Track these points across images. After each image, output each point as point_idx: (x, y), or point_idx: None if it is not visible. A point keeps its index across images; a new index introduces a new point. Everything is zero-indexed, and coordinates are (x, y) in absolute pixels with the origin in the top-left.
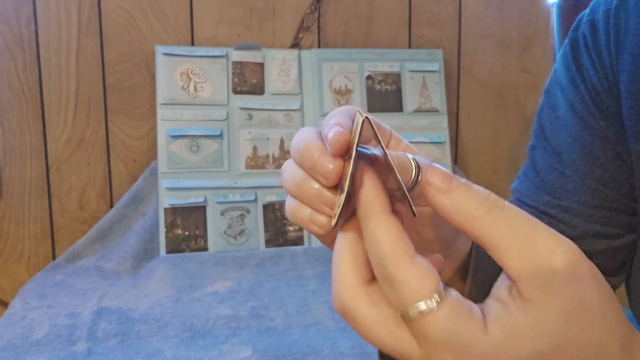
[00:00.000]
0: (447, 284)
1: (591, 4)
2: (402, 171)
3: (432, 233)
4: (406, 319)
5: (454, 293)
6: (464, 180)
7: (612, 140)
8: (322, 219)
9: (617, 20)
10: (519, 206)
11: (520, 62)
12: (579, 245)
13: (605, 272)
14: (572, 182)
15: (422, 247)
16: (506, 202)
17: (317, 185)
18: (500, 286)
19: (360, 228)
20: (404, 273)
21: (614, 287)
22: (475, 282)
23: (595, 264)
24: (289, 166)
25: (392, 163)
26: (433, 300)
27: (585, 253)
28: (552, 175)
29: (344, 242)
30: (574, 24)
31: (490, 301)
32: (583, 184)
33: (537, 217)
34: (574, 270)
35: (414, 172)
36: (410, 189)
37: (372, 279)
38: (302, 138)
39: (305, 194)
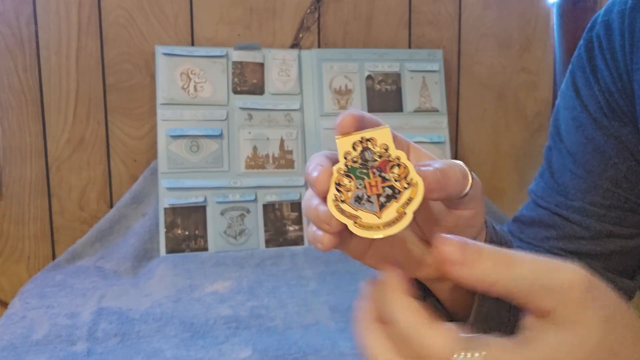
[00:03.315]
0: None
1: (606, 4)
2: (461, 177)
3: (458, 233)
4: None
5: (482, 335)
6: (471, 242)
7: (625, 141)
8: (320, 234)
9: (632, 21)
10: (534, 208)
11: (520, 62)
12: (593, 246)
13: (623, 274)
14: (584, 182)
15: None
16: (511, 251)
17: (316, 201)
18: (529, 318)
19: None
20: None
21: (632, 291)
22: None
23: (612, 265)
24: (307, 192)
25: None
26: (469, 353)
27: (600, 254)
28: (566, 176)
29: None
30: (589, 24)
31: (524, 328)
32: (596, 184)
33: (550, 217)
34: (592, 285)
35: (470, 179)
36: (465, 195)
37: None
38: (310, 158)
39: (309, 212)
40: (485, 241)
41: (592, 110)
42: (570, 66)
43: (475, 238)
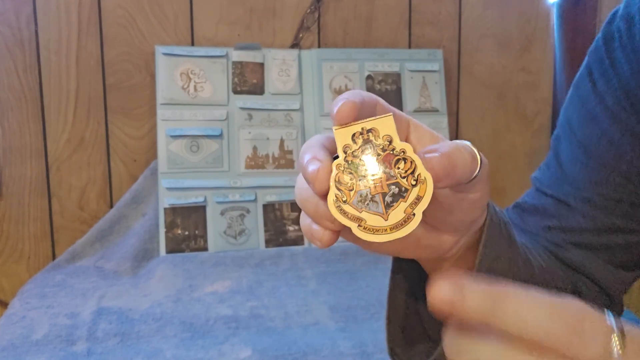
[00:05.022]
0: (460, 258)
1: None
2: (470, 160)
3: (460, 215)
4: None
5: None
6: (470, 283)
7: None
8: (318, 230)
9: None
10: (537, 196)
11: (520, 62)
12: (597, 239)
13: (621, 266)
14: (596, 174)
15: (452, 228)
16: (508, 288)
17: (316, 197)
18: None
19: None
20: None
21: (629, 283)
22: (486, 252)
23: (614, 258)
24: (299, 178)
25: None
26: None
27: (603, 246)
28: (575, 167)
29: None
30: (608, 18)
31: None
32: (608, 177)
33: (555, 206)
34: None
35: (479, 161)
36: (474, 178)
37: None
38: (304, 147)
39: (306, 205)
40: (486, 221)
41: (610, 103)
42: (586, 58)
43: (477, 219)
